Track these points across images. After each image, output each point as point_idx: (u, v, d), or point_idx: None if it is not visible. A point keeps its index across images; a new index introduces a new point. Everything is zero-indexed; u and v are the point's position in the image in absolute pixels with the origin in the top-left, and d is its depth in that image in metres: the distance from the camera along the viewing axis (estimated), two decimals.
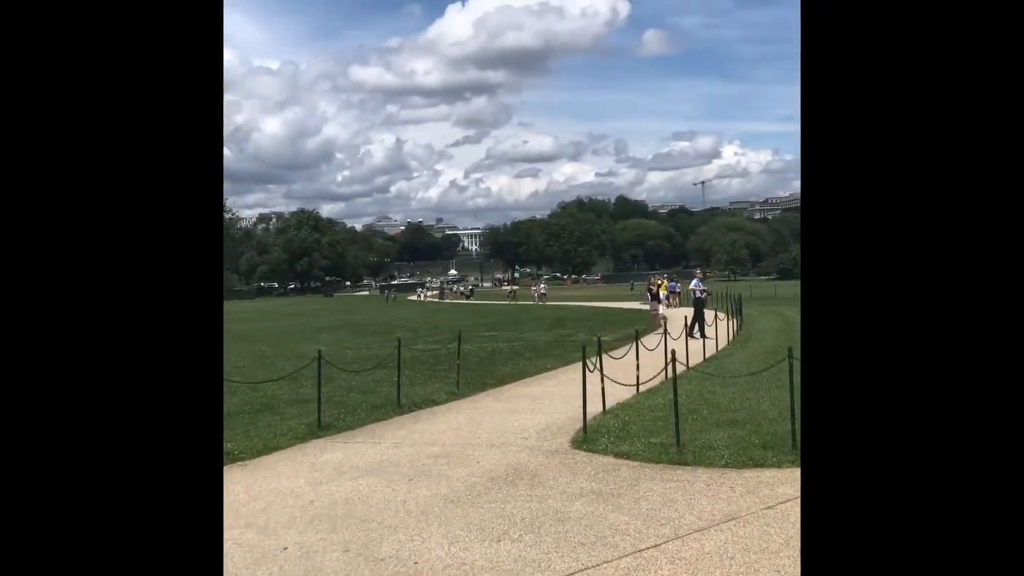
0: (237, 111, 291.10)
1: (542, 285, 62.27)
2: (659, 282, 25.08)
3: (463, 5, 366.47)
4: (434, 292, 78.89)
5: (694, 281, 21.73)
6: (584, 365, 8.54)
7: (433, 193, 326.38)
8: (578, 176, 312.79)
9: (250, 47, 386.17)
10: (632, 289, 68.32)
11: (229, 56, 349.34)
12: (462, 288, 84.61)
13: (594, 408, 8.74)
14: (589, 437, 7.82)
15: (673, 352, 7.96)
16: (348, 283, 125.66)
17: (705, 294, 21.00)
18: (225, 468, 7.19)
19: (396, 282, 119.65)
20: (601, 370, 8.94)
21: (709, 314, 20.29)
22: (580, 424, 8.29)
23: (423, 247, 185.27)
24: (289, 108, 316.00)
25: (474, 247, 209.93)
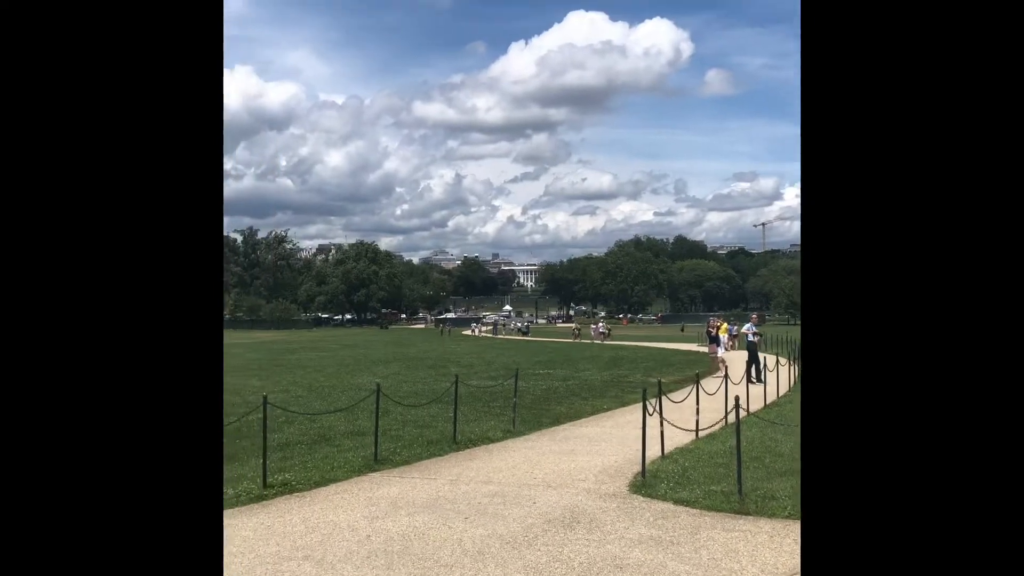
0: (302, 144, 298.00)
1: (601, 324, 61.39)
2: (718, 324, 24.74)
3: (526, 43, 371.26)
4: (488, 328, 78.82)
5: (747, 325, 21.46)
6: (644, 408, 8.42)
7: (490, 228, 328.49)
8: (636, 215, 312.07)
9: (317, 81, 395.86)
10: (683, 331, 67.22)
11: (295, 90, 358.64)
12: (519, 324, 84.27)
13: (652, 452, 8.60)
14: (648, 482, 7.68)
15: (736, 398, 7.80)
16: (404, 316, 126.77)
17: (757, 337, 20.69)
18: (283, 499, 7.23)
19: (450, 316, 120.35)
20: (661, 413, 8.81)
21: (770, 359, 19.92)
22: (638, 468, 8.16)
23: (479, 282, 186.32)
24: (352, 142, 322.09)
25: (530, 283, 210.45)
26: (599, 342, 49.52)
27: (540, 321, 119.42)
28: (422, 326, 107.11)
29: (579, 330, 58.90)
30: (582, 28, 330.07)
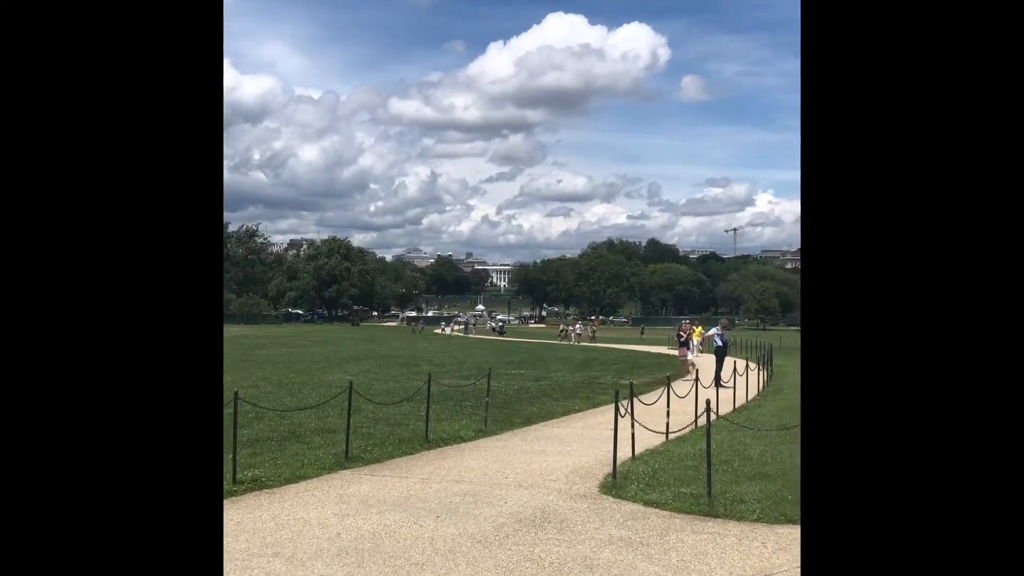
0: (276, 138, 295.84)
1: (579, 324, 60.17)
2: (691, 328, 24.88)
3: (505, 44, 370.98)
4: (459, 327, 78.56)
5: (714, 329, 21.62)
6: (616, 409, 8.47)
7: (465, 227, 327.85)
8: (610, 217, 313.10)
9: (293, 75, 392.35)
10: (642, 334, 67.47)
11: (271, 84, 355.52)
12: (493, 324, 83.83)
13: (623, 453, 8.65)
14: (618, 483, 7.73)
15: (708, 402, 7.87)
16: (375, 313, 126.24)
17: (727, 333, 20.89)
18: (253, 495, 7.19)
19: (422, 315, 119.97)
20: (632, 416, 8.86)
21: (740, 363, 20.10)
22: (609, 469, 8.20)
23: (452, 281, 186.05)
24: (327, 137, 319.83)
25: (503, 283, 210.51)
26: (577, 344, 49.25)
27: (513, 321, 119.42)
28: (394, 324, 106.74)
29: (566, 331, 57.26)
30: (561, 30, 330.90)
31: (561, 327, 63.36)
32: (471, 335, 67.06)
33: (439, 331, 74.87)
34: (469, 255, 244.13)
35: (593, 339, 53.26)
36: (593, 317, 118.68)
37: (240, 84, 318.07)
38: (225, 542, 5.64)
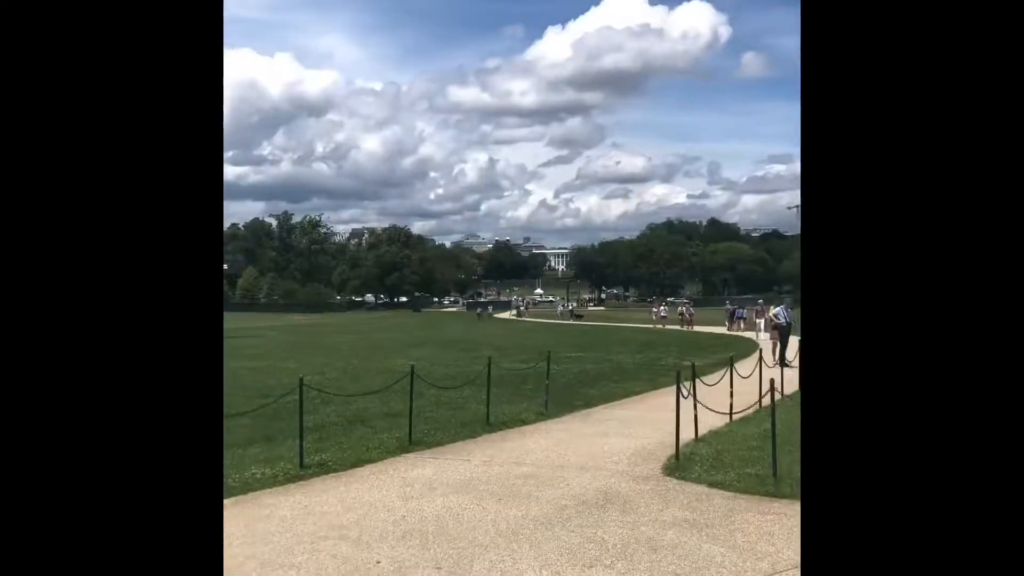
0: (339, 130, 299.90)
1: (663, 308, 52.71)
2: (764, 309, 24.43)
3: (563, 27, 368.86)
4: (514, 312, 77.91)
5: (778, 308, 21.14)
6: (679, 390, 8.40)
7: (522, 212, 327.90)
8: (669, 198, 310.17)
9: (352, 68, 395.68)
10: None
11: (334, 77, 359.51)
12: (568, 306, 79.80)
13: (686, 435, 8.58)
14: (681, 464, 7.67)
15: (772, 381, 7.75)
16: (435, 299, 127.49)
17: (787, 322, 20.37)
18: (320, 479, 7.33)
19: (486, 300, 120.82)
20: (695, 396, 8.78)
21: (793, 341, 19.74)
22: (672, 451, 8.15)
23: (509, 265, 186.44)
24: (388, 127, 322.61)
25: (560, 267, 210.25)
26: (661, 328, 43.33)
27: (571, 304, 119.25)
28: (454, 309, 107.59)
29: (658, 314, 49.54)
30: (620, 11, 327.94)
31: (655, 310, 52.57)
32: (525, 319, 66.60)
33: (505, 315, 74.55)
34: (527, 239, 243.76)
35: (691, 322, 43.70)
36: (651, 299, 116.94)
37: (304, 78, 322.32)
38: (293, 524, 5.76)
